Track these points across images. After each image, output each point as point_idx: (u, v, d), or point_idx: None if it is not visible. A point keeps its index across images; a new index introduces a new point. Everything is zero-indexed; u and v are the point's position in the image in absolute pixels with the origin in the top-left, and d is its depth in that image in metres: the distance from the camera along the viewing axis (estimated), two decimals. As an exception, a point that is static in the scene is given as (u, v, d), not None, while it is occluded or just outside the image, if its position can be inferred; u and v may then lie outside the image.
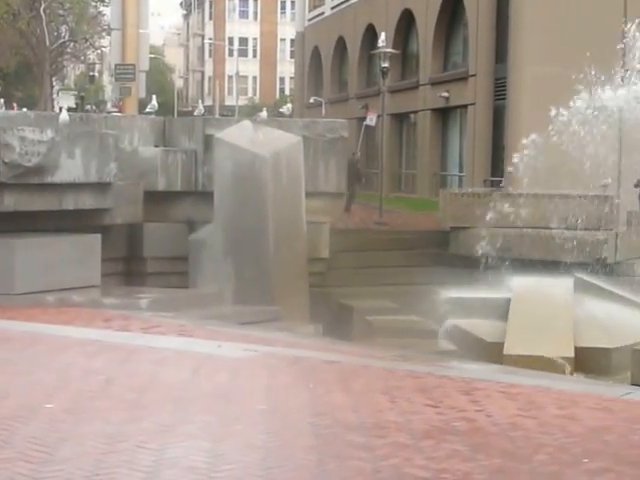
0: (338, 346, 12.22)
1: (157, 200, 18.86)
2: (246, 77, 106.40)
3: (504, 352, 16.60)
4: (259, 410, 7.50)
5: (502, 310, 18.55)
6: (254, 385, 8.48)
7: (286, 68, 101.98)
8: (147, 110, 31.37)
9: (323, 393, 8.18)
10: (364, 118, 37.71)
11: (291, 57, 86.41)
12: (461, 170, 36.08)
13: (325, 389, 8.32)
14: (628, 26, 25.34)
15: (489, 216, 21.78)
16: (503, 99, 31.69)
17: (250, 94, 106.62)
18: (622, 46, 21.95)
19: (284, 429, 6.95)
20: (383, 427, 6.98)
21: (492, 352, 16.51)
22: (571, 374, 15.82)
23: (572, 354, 16.60)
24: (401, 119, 41.92)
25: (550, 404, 7.91)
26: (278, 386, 8.49)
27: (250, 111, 75.36)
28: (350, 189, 28.68)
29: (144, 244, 18.90)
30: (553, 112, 20.31)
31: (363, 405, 7.73)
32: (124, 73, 27.12)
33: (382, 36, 31.28)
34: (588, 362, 16.49)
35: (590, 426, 7.14)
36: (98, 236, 16.17)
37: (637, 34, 20.65)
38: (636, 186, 25.72)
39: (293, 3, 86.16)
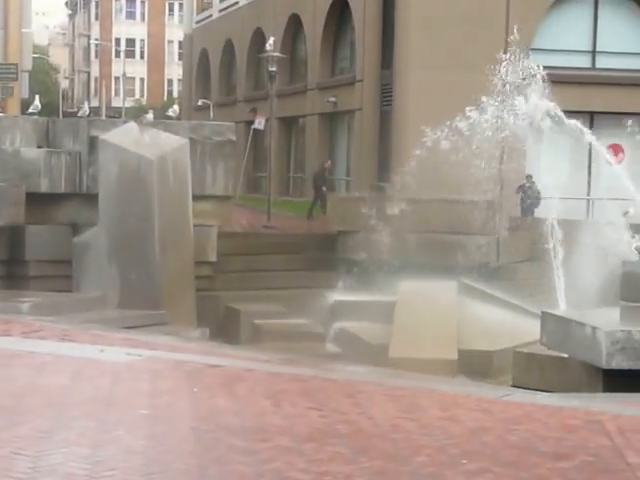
0: (224, 350, 12.16)
1: (40, 202, 18.54)
2: (133, 78, 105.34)
3: (389, 355, 16.77)
4: (141, 415, 7.42)
5: (388, 313, 18.73)
6: (136, 390, 8.39)
7: (174, 70, 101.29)
8: (30, 110, 30.84)
9: (206, 397, 8.13)
10: (253, 121, 37.69)
11: (179, 59, 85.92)
12: (348, 174, 36.32)
13: (209, 393, 8.28)
14: (510, 37, 25.92)
15: (376, 220, 21.97)
16: (389, 104, 32.02)
17: (137, 96, 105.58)
18: (504, 56, 22.37)
19: (166, 434, 6.89)
20: (266, 431, 6.97)
21: (378, 355, 16.64)
22: (454, 376, 16.03)
23: (455, 356, 16.85)
24: (289, 123, 42.01)
25: (432, 406, 8.01)
26: (161, 390, 8.41)
27: (137, 113, 74.62)
28: (318, 197, 28.77)
29: (26, 247, 18.56)
30: (440, 119, 20.57)
31: (246, 409, 7.71)
32: (6, 73, 26.60)
33: (270, 40, 31.32)
34: (471, 364, 16.74)
35: (470, 427, 7.25)
36: (-23, 238, 15.84)
37: (516, 48, 21.10)
38: (517, 192, 26.30)
39: (181, 5, 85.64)
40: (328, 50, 37.58)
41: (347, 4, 35.03)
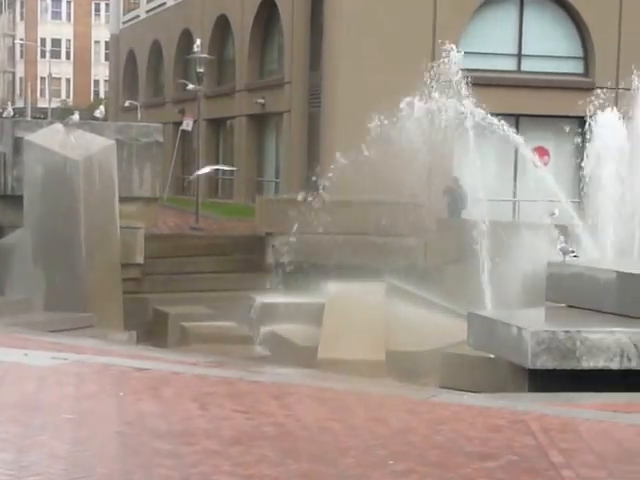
0: (151, 353, 12.08)
1: (-37, 204, 18.24)
2: (59, 79, 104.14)
3: (318, 356, 16.78)
4: (66, 419, 7.32)
5: (317, 315, 18.74)
6: (61, 394, 8.28)
7: (101, 71, 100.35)
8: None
9: (132, 401, 8.05)
10: (181, 123, 37.48)
11: (106, 59, 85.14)
12: (277, 176, 36.29)
13: (135, 397, 8.20)
14: (439, 41, 26.07)
15: (305, 222, 21.98)
16: (318, 106, 32.06)
17: (63, 96, 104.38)
18: (432, 57, 22.55)
19: (91, 438, 6.80)
20: (192, 434, 6.92)
21: (306, 357, 16.65)
22: (382, 377, 16.09)
23: (383, 358, 16.92)
24: (218, 124, 41.85)
25: (359, 407, 8.02)
26: (86, 394, 8.31)
27: (63, 114, 73.66)
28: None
29: (-51, 249, 18.24)
30: (368, 121, 20.65)
31: (173, 412, 7.64)
32: None
33: (197, 41, 31.18)
34: (399, 365, 16.81)
35: (396, 428, 7.27)
36: None
37: (444, 51, 21.25)
38: (444, 195, 26.46)
39: (108, 5, 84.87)
40: (256, 51, 37.51)
41: (275, 6, 35.01)
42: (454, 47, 21.89)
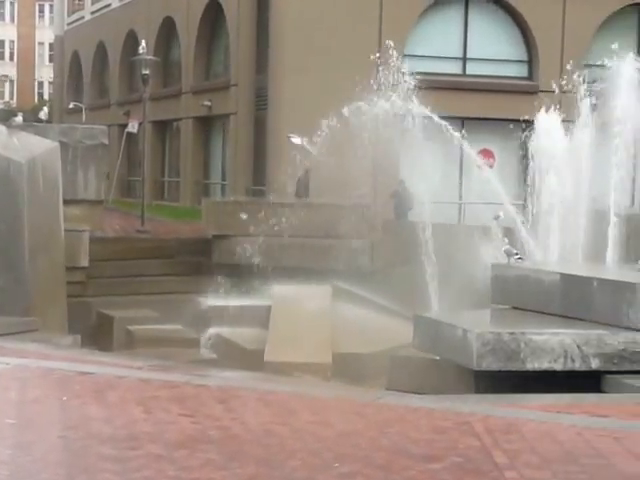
0: (95, 357, 11.96)
1: None
2: (3, 80, 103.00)
3: (264, 359, 16.75)
4: (8, 425, 7.23)
5: (263, 318, 18.71)
6: (4, 398, 8.18)
7: (45, 72, 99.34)
8: None
9: (76, 405, 7.97)
10: (126, 125, 37.25)
11: (50, 61, 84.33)
12: (224, 179, 36.21)
13: (79, 401, 8.12)
14: (385, 44, 26.15)
15: (251, 224, 21.93)
16: (264, 109, 32.04)
17: (7, 98, 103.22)
18: (378, 60, 22.58)
19: (34, 443, 6.72)
20: (136, 438, 6.87)
21: (253, 360, 16.61)
22: (329, 380, 16.10)
23: (330, 360, 16.92)
24: (164, 127, 41.66)
25: (304, 410, 8.01)
26: (29, 399, 8.21)
27: (6, 115, 72.87)
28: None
29: None
30: (314, 123, 20.65)
31: (117, 417, 7.58)
32: None
33: (143, 43, 31.00)
34: (346, 368, 16.82)
35: (342, 430, 7.27)
36: None
37: (390, 54, 21.30)
38: (391, 197, 26.56)
39: (52, 6, 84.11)
40: (202, 54, 37.39)
41: (221, 8, 34.93)
42: (400, 50, 21.97)
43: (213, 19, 36.30)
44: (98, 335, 19.84)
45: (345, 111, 19.95)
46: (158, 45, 39.80)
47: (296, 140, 22.74)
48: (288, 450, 6.68)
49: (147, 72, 29.37)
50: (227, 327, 18.94)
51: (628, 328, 11.83)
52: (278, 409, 8.03)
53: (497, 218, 18.91)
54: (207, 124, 37.95)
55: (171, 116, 39.75)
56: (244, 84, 33.19)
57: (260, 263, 21.37)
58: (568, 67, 19.52)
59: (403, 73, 20.66)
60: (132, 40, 42.22)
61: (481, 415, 7.80)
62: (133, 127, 35.91)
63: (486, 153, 30.36)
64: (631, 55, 18.66)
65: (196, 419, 7.53)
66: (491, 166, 29.21)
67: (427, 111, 19.73)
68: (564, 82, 19.35)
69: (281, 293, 19.59)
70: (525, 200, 19.08)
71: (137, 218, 28.08)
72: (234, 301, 19.77)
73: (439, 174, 28.36)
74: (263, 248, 21.80)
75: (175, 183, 40.22)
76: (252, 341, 18.08)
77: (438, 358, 12.93)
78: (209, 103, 35.61)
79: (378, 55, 22.42)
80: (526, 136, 18.86)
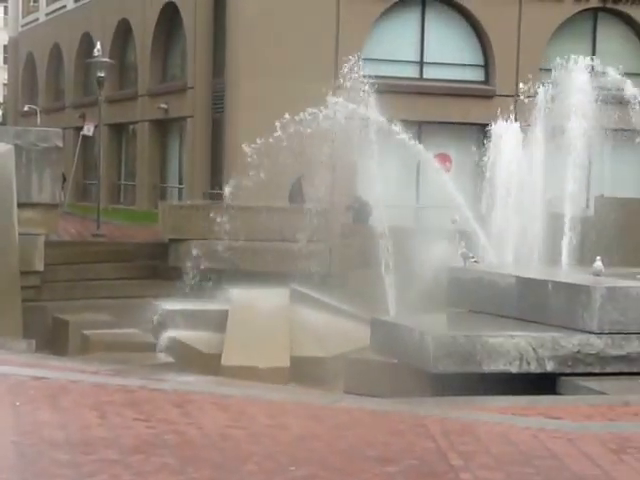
0: (49, 362, 11.85)
1: None
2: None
3: (222, 363, 16.70)
4: (-40, 431, 7.15)
5: (221, 322, 18.63)
6: (-44, 405, 8.08)
7: None
8: None
9: (29, 411, 7.88)
10: (82, 128, 37.01)
11: (4, 63, 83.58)
12: (181, 182, 36.08)
13: (32, 406, 8.03)
14: (342, 48, 26.21)
15: (208, 228, 21.85)
16: (221, 112, 31.98)
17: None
18: (335, 65, 22.64)
19: (-14, 450, 6.65)
20: (91, 443, 6.80)
21: (210, 364, 16.55)
22: (287, 384, 16.08)
23: (288, 364, 16.90)
24: (120, 130, 41.45)
25: (261, 414, 7.98)
26: (-18, 405, 8.12)
27: (-38, 119, 72.30)
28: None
29: None
30: (272, 127, 20.60)
31: (71, 422, 7.50)
32: None
33: (98, 45, 30.83)
34: (304, 371, 16.82)
35: (298, 434, 7.26)
36: None
37: (348, 58, 21.31)
38: (347, 210, 26.52)
39: (6, 8, 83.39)
40: (159, 56, 37.25)
41: (177, 10, 34.81)
42: (355, 54, 22.00)
43: (170, 21, 36.17)
44: (53, 340, 19.69)
45: (302, 115, 19.94)
46: (114, 47, 39.61)
47: None
48: (244, 454, 6.66)
49: (102, 75, 29.21)
50: (184, 331, 18.83)
51: (583, 331, 11.93)
52: (235, 413, 8.00)
53: (454, 222, 18.99)
54: (164, 127, 37.80)
55: (127, 119, 39.56)
56: (201, 87, 33.10)
57: (217, 267, 21.30)
58: (529, 76, 19.65)
59: (361, 77, 20.67)
60: (87, 42, 41.97)
61: (437, 417, 7.83)
62: (89, 130, 35.67)
63: (443, 157, 30.48)
64: (586, 60, 18.83)
65: (151, 423, 7.48)
66: (448, 170, 29.33)
67: (385, 115, 19.77)
68: (520, 86, 19.48)
69: (238, 297, 19.53)
70: (482, 203, 19.18)
71: (93, 222, 27.91)
72: (191, 305, 19.68)
73: (396, 178, 28.50)
74: (220, 252, 21.73)
75: (131, 186, 40.03)
76: (209, 345, 18.00)
77: (395, 361, 12.96)
78: (165, 106, 35.47)
79: (335, 59, 22.47)
80: (482, 140, 18.97)
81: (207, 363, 16.74)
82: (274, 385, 12.28)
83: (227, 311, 18.96)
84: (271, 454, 6.66)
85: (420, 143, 23.43)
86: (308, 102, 20.01)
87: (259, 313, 18.69)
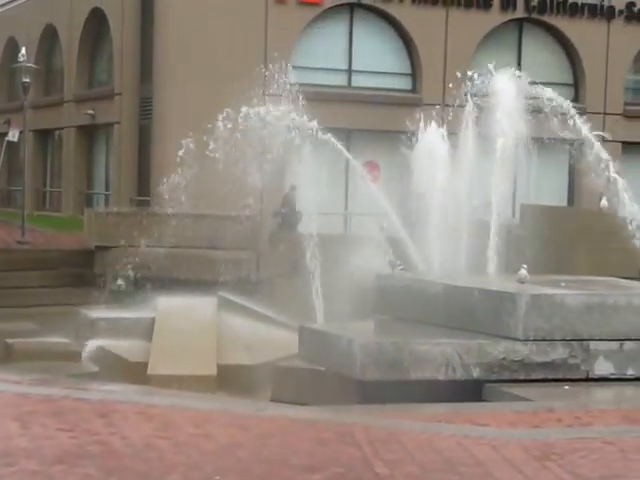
0: (-29, 371, 11.65)
1: None
2: None
3: (148, 372, 16.54)
4: None
5: (147, 330, 18.46)
6: None
7: None
8: None
9: (-51, 422, 7.73)
10: (6, 133, 36.47)
11: None
12: (108, 189, 35.73)
13: (-48, 417, 7.88)
14: (271, 55, 26.17)
15: (136, 235, 21.67)
16: (149, 118, 31.75)
17: None
18: (264, 71, 22.59)
19: None
20: (12, 454, 6.68)
21: (137, 373, 16.39)
22: (214, 392, 15.98)
23: (215, 372, 16.80)
24: (46, 135, 40.95)
25: (186, 423, 7.92)
26: None
27: None
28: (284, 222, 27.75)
29: None
30: (200, 134, 20.51)
31: (-8, 433, 7.38)
32: None
33: (23, 50, 30.41)
34: (232, 379, 16.73)
35: (224, 443, 7.21)
36: None
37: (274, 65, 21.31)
38: (274, 217, 26.51)
39: None
40: (85, 62, 36.87)
41: (105, 16, 34.50)
42: (283, 61, 22.00)
43: (97, 27, 35.82)
44: (-25, 349, 19.36)
45: (229, 122, 19.88)
46: (40, 52, 39.12)
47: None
48: (168, 464, 6.59)
49: (27, 80, 28.83)
50: (110, 339, 18.62)
51: (508, 338, 12.02)
52: (159, 423, 7.92)
53: (382, 229, 19.06)
54: (90, 133, 37.41)
55: (53, 125, 39.09)
56: (128, 93, 32.82)
57: (144, 274, 21.13)
58: (456, 85, 19.81)
59: (289, 84, 20.68)
60: (13, 47, 41.38)
61: (363, 425, 7.83)
62: (14, 136, 35.15)
63: (371, 165, 30.61)
64: (512, 69, 19.05)
65: (75, 434, 7.37)
66: (377, 178, 29.45)
67: (313, 122, 19.79)
68: (447, 95, 19.65)
69: (165, 305, 19.37)
70: (410, 211, 19.28)
71: (17, 229, 27.53)
72: (117, 313, 19.49)
73: (325, 185, 28.54)
74: (147, 259, 21.56)
75: (57, 193, 39.55)
76: (135, 354, 17.82)
77: (323, 369, 12.94)
78: (92, 112, 35.11)
79: (263, 67, 22.44)
80: (410, 148, 19.07)
81: (133, 372, 16.58)
82: (200, 394, 12.20)
83: (154, 319, 18.79)
84: (196, 464, 6.60)
85: (349, 151, 23.48)
86: (237, 108, 19.96)
87: (186, 321, 18.55)
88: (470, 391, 11.40)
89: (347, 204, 32.20)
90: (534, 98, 19.00)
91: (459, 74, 19.59)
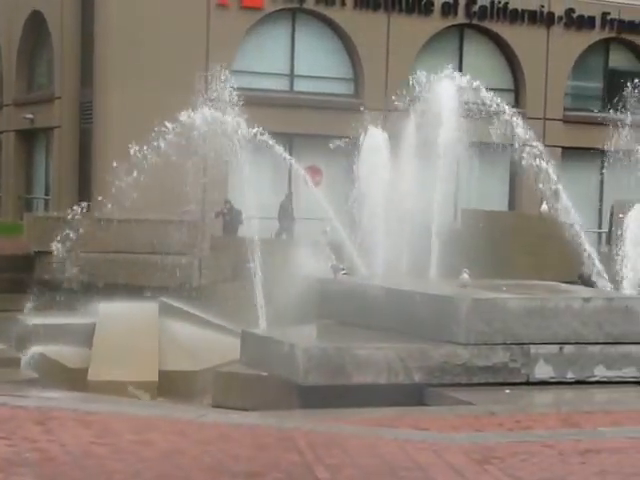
0: None
1: None
2: None
3: (88, 378, 16.40)
4: None
5: (88, 336, 18.30)
6: None
7: None
8: None
9: None
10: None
11: None
12: (47, 193, 35.39)
13: None
14: (212, 59, 26.10)
15: (75, 240, 21.45)
16: (90, 122, 31.51)
17: None
18: (206, 75, 22.52)
19: None
20: (-54, 464, 6.56)
21: (77, 379, 16.25)
22: (155, 398, 15.88)
23: (156, 378, 16.69)
24: (-16, 140, 40.45)
25: (126, 430, 7.83)
26: None
27: None
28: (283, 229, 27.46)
29: None
30: (141, 138, 20.38)
31: None
32: None
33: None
34: (173, 386, 16.65)
35: (164, 450, 7.13)
36: None
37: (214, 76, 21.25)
38: (216, 217, 26.47)
39: None
40: (25, 65, 36.47)
41: (44, 19, 34.16)
42: (225, 65, 21.96)
43: (36, 30, 35.46)
44: None
45: (171, 127, 19.78)
46: (-22, 56, 38.67)
47: None
48: (108, 471, 6.50)
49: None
50: (50, 346, 18.42)
51: (450, 342, 12.05)
52: (99, 429, 7.83)
53: (324, 233, 19.08)
54: (30, 137, 37.03)
55: (-8, 129, 38.65)
56: (69, 97, 32.54)
57: (85, 280, 20.94)
58: (397, 90, 19.91)
59: (231, 89, 20.63)
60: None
61: (304, 430, 7.80)
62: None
63: (314, 170, 30.63)
64: (453, 75, 19.18)
65: (12, 441, 7.25)
66: (319, 182, 29.49)
67: (256, 127, 19.76)
68: (389, 100, 19.73)
69: (106, 310, 19.20)
70: (352, 215, 19.33)
71: (-45, 234, 27.15)
72: (57, 319, 19.28)
73: (267, 190, 28.50)
74: (88, 264, 21.37)
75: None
76: (76, 360, 17.65)
77: (265, 374, 12.89)
78: (32, 116, 34.78)
79: (205, 71, 22.36)
80: (352, 153, 19.12)
81: (73, 378, 16.43)
82: (140, 400, 12.12)
83: (94, 325, 18.62)
84: (136, 471, 6.53)
85: (292, 156, 23.48)
86: (178, 113, 19.87)
87: (127, 327, 18.40)
88: (412, 395, 11.42)
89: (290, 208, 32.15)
90: (475, 103, 19.16)
91: (401, 79, 19.71)
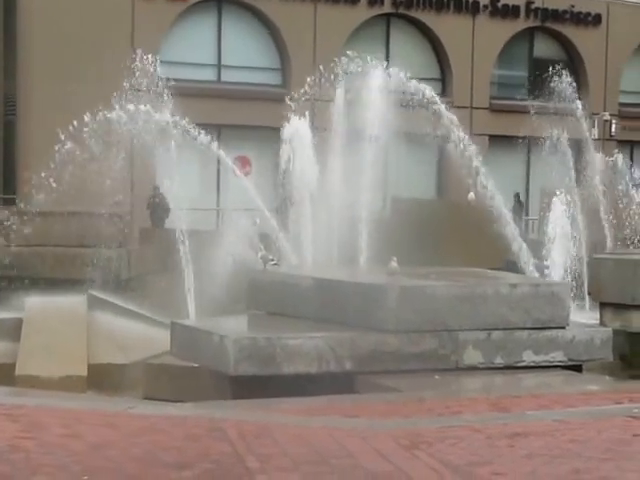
0: None
1: None
2: None
3: (16, 373, 16.19)
4: None
5: (15, 330, 18.06)
6: None
7: None
8: None
9: None
10: None
11: None
12: (-29, 187, 34.85)
13: None
14: (137, 50, 25.83)
15: (1, 233, 21.18)
16: (13, 114, 31.10)
17: None
18: (131, 66, 22.29)
19: None
20: None
21: (4, 374, 16.01)
22: (84, 392, 15.72)
23: (85, 372, 16.52)
24: None
25: (54, 424, 7.75)
26: None
27: None
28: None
29: None
30: (65, 130, 20.12)
31: None
32: None
33: None
34: (103, 379, 16.49)
35: (93, 443, 7.07)
36: None
37: (141, 63, 21.03)
38: (148, 209, 26.31)
39: None
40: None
41: (-33, 11, 33.62)
42: (151, 56, 21.77)
43: (-42, 22, 34.88)
44: None
45: (96, 119, 19.57)
46: None
47: None
48: (34, 465, 6.43)
49: None
50: (-24, 341, 18.17)
51: (379, 330, 12.10)
52: (26, 423, 7.73)
53: (254, 224, 19.03)
54: (-47, 131, 36.44)
55: None
56: (-7, 89, 32.12)
57: (11, 273, 20.67)
58: (324, 79, 19.91)
59: (157, 79, 20.47)
60: None
61: (235, 421, 7.78)
62: None
63: (243, 160, 30.57)
64: (380, 64, 19.25)
65: (-64, 438, 7.14)
66: (248, 173, 29.43)
67: (183, 118, 19.64)
68: (315, 90, 19.74)
69: (33, 304, 18.97)
70: (280, 205, 19.32)
71: None
72: (-17, 314, 19.00)
73: (196, 181, 28.38)
74: (14, 258, 21.09)
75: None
76: (3, 354, 17.41)
77: (196, 365, 12.85)
78: (-46, 109, 34.21)
79: (130, 62, 22.13)
80: (279, 143, 19.11)
81: (1, 374, 16.19)
82: (69, 393, 11.98)
83: (21, 319, 18.40)
84: (63, 464, 6.46)
85: (220, 146, 23.39)
86: (104, 104, 19.68)
87: (55, 321, 18.20)
88: (343, 384, 11.45)
89: (219, 200, 32.11)
90: (403, 92, 19.24)
91: (326, 68, 19.73)
